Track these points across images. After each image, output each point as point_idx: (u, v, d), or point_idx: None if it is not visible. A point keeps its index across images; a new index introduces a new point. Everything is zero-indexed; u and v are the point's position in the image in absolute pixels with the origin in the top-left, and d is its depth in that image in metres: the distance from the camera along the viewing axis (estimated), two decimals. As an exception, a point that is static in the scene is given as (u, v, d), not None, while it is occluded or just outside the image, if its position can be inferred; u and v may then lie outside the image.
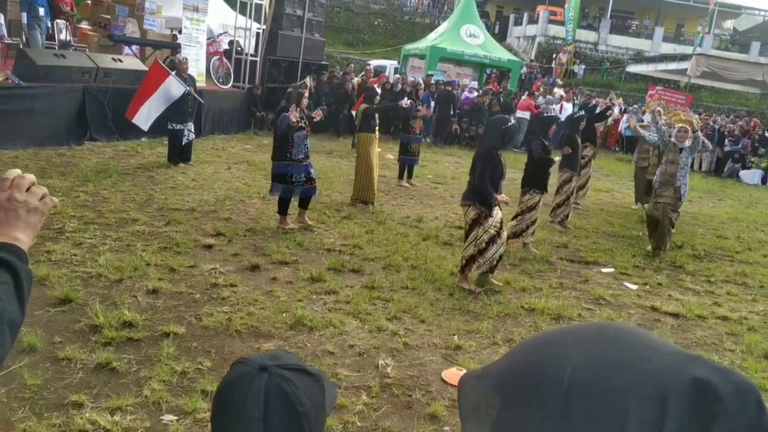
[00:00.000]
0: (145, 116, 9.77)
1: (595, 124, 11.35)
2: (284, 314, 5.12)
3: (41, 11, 11.19)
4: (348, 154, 13.41)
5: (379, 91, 10.18)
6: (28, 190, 1.22)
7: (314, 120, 7.59)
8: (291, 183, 7.38)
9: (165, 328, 4.61)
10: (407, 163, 11.21)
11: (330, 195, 9.53)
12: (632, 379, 0.64)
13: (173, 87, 9.71)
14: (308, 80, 7.66)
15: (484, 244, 6.17)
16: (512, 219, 7.89)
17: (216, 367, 4.16)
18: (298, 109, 7.24)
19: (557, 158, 8.36)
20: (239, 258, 6.35)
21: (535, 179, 7.82)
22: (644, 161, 11.57)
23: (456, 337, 5.13)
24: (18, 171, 1.28)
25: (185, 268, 5.87)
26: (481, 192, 6.09)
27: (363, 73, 17.63)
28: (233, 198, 8.67)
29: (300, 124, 7.25)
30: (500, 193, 6.23)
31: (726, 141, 19.14)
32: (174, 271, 5.75)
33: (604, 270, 7.56)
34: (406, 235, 7.86)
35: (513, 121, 6.57)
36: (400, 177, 11.28)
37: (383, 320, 5.22)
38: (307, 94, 7.57)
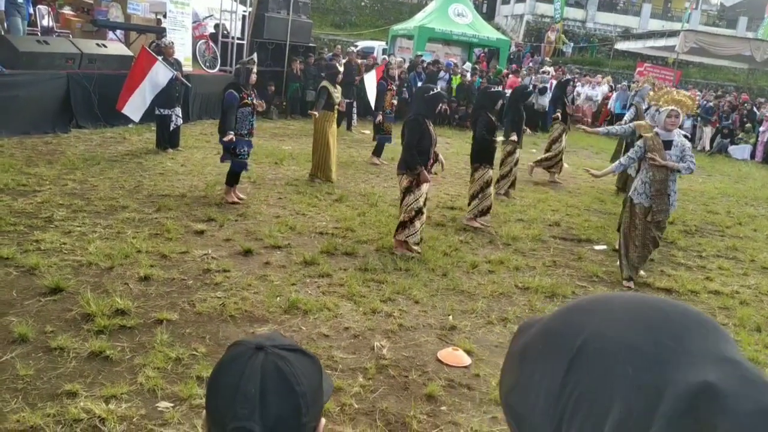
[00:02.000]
0: (135, 106, 9.65)
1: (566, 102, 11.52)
2: (278, 298, 5.09)
3: (20, -3, 10.99)
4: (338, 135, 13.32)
5: (341, 69, 10.21)
6: None
7: (258, 110, 7.78)
8: (237, 156, 7.54)
9: (158, 314, 4.58)
10: (383, 141, 11.30)
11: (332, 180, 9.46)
12: (635, 364, 0.61)
13: (161, 73, 9.59)
14: (255, 57, 7.81)
15: (413, 212, 6.35)
16: (472, 199, 7.85)
17: (211, 353, 4.14)
18: (249, 86, 7.51)
19: (500, 138, 8.45)
20: (231, 243, 6.31)
21: (482, 154, 7.79)
22: None
23: (451, 317, 5.13)
24: None
25: (177, 254, 5.83)
26: (407, 159, 6.27)
27: (347, 57, 17.31)
28: (223, 183, 8.58)
29: (246, 101, 7.42)
30: (432, 160, 6.43)
31: (715, 117, 19.19)
32: (166, 258, 5.70)
33: (597, 247, 7.58)
34: (397, 217, 7.82)
35: (436, 89, 6.73)
36: (378, 155, 11.36)
37: (377, 302, 5.21)
38: (255, 70, 7.66)
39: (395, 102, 11.63)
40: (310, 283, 5.55)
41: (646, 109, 9.02)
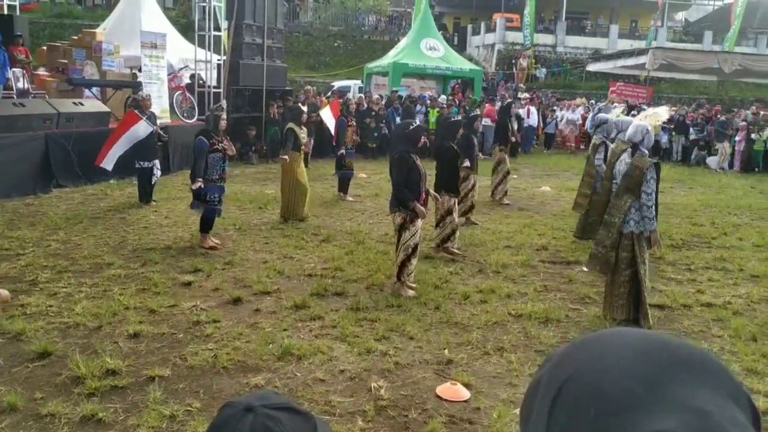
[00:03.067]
0: (110, 158, 9.67)
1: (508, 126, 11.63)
2: (271, 345, 5.02)
3: (-7, 62, 11.06)
4: (316, 177, 13.37)
5: (305, 109, 10.35)
6: None
7: (229, 153, 7.85)
8: (206, 201, 7.61)
9: (150, 372, 4.49)
10: (345, 177, 11.38)
11: (304, 219, 9.45)
12: (598, 409, 0.61)
13: (141, 129, 9.66)
14: (224, 103, 7.96)
15: (410, 249, 6.35)
16: (435, 227, 7.97)
17: (206, 408, 4.06)
18: (220, 132, 7.65)
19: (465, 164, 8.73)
20: (220, 292, 6.25)
21: (446, 183, 7.86)
22: None
23: (446, 351, 5.08)
24: None
25: (165, 308, 5.75)
26: (399, 198, 6.31)
27: (304, 95, 17.21)
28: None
29: (216, 147, 7.53)
30: (423, 195, 6.45)
31: (691, 129, 19.42)
32: (154, 313, 5.62)
33: (586, 268, 7.56)
34: (386, 253, 7.81)
35: (416, 123, 6.97)
36: (344, 192, 11.44)
37: (372, 341, 5.15)
38: (224, 116, 7.82)
39: (357, 138, 11.89)
40: (302, 327, 5.49)
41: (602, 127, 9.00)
